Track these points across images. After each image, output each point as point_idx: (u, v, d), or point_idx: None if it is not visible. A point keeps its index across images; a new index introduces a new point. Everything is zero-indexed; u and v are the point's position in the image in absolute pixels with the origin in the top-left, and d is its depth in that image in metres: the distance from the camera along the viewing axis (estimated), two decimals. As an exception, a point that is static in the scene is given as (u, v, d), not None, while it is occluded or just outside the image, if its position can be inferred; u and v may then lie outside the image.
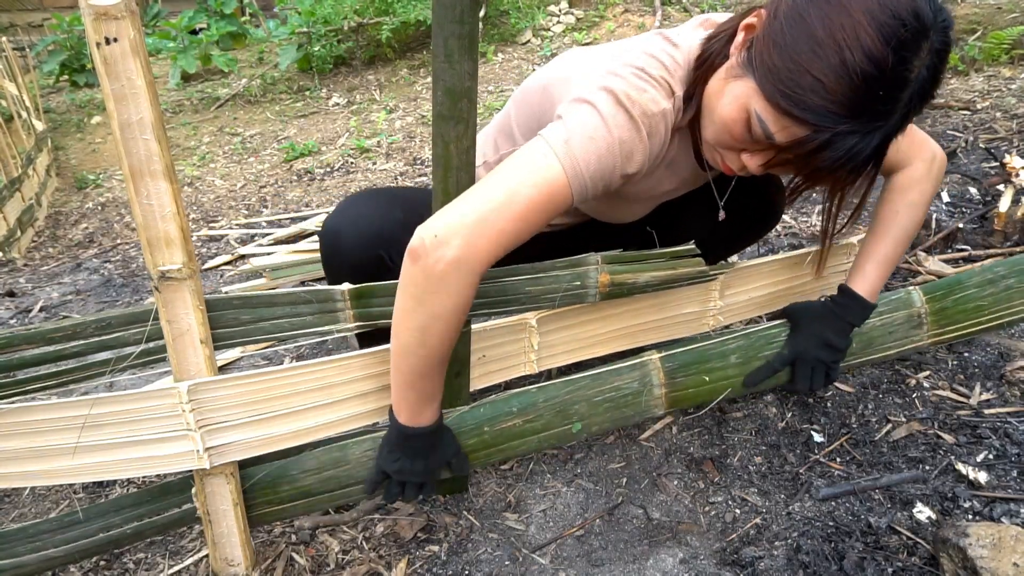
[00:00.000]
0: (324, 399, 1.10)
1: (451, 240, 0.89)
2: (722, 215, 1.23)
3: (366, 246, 1.15)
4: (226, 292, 2.31)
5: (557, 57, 1.20)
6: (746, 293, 1.38)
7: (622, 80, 0.97)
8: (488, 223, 0.90)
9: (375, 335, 1.12)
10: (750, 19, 0.92)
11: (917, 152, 1.18)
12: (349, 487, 1.16)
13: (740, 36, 0.93)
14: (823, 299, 1.25)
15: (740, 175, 1.00)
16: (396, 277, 1.09)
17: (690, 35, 1.04)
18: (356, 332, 1.12)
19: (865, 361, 1.32)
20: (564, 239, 1.38)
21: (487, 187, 0.92)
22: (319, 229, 2.92)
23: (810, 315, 1.24)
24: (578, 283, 1.15)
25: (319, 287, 1.06)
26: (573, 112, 0.96)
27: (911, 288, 1.34)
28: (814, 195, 2.56)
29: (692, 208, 1.31)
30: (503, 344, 1.22)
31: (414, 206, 1.17)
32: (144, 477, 1.47)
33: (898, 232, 1.20)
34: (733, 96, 0.91)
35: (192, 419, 1.02)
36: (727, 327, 1.41)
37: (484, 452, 1.18)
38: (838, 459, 1.29)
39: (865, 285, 1.20)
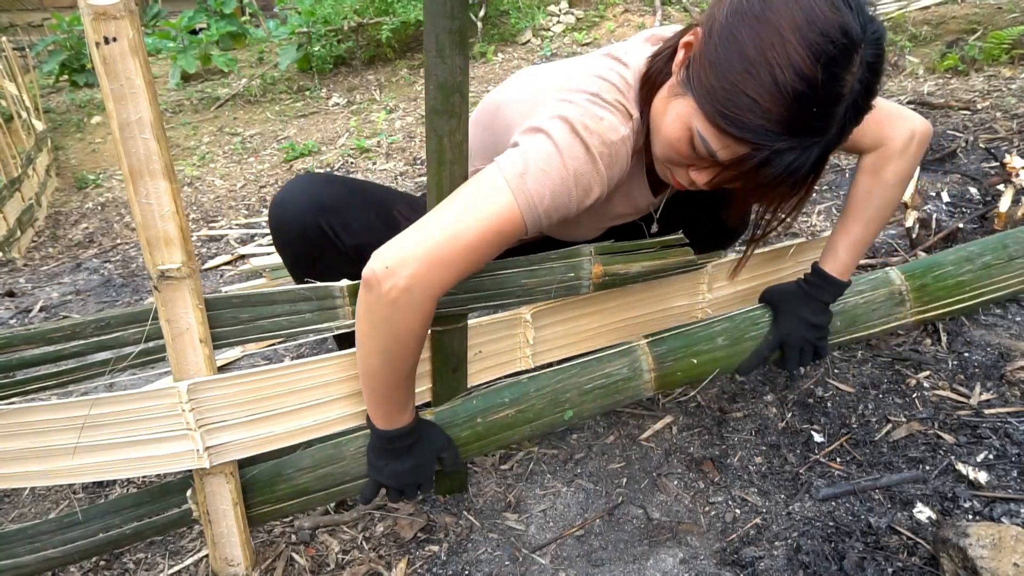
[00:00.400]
0: (323, 397, 1.11)
1: (400, 271, 0.90)
2: (655, 228, 1.25)
3: (308, 213, 1.17)
4: (226, 292, 2.30)
5: (510, 78, 1.21)
6: (732, 286, 1.41)
7: (577, 108, 0.96)
8: (437, 255, 0.91)
9: (351, 336, 1.13)
10: (688, 36, 0.93)
11: (890, 131, 1.18)
12: (345, 484, 1.16)
13: (680, 54, 0.94)
14: (798, 280, 1.28)
15: (691, 190, 1.01)
16: (339, 250, 1.12)
17: (638, 52, 1.04)
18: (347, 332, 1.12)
19: (852, 339, 1.36)
20: (519, 251, 1.39)
21: (440, 217, 0.93)
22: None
23: (788, 297, 1.28)
24: (572, 274, 1.16)
25: (318, 284, 1.06)
26: (528, 142, 0.95)
27: (888, 268, 1.37)
28: (814, 194, 2.56)
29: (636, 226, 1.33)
30: (499, 339, 1.23)
31: (361, 187, 1.21)
32: (144, 477, 1.46)
33: (870, 213, 1.21)
34: (676, 115, 0.92)
35: (192, 418, 1.02)
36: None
37: (478, 444, 1.19)
38: (838, 459, 1.29)
39: (836, 265, 1.22)
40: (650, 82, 1.00)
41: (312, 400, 1.10)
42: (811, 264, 1.26)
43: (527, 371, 1.28)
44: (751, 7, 0.84)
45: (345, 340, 1.21)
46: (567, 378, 1.23)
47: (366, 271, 0.92)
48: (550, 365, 1.27)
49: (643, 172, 1.13)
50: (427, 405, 1.22)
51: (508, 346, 1.24)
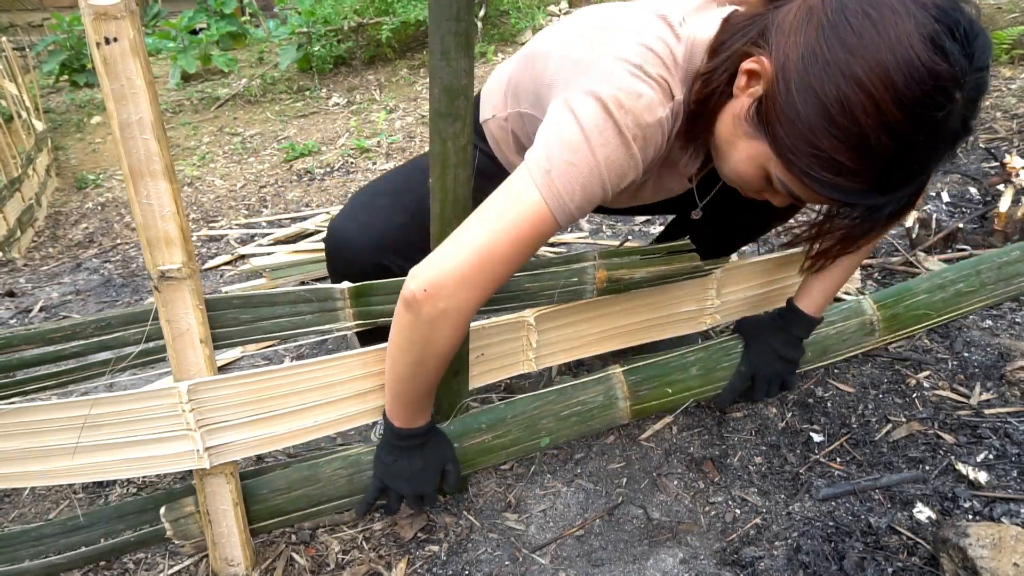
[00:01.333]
0: (324, 398, 1.10)
1: (439, 293, 0.90)
2: (697, 214, 1.20)
3: (369, 253, 1.16)
4: (226, 292, 2.30)
5: (562, 20, 1.12)
6: (742, 291, 1.39)
7: (613, 81, 0.87)
8: (474, 274, 0.90)
9: (376, 333, 1.13)
10: (751, 64, 0.84)
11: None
12: (320, 505, 1.16)
13: (742, 79, 0.86)
14: (772, 314, 1.28)
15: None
16: (397, 275, 1.10)
17: (694, 23, 0.93)
18: (357, 331, 1.13)
19: (822, 366, 1.35)
20: None
21: (474, 231, 0.91)
22: (322, 230, 2.92)
23: (761, 330, 1.27)
24: (576, 279, 1.16)
25: (319, 286, 1.06)
26: (555, 128, 0.89)
27: (860, 298, 1.37)
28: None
29: (669, 205, 1.31)
30: (501, 342, 1.22)
31: (418, 206, 1.16)
32: (144, 477, 1.46)
33: (849, 260, 1.18)
34: (748, 156, 0.87)
35: (192, 419, 1.02)
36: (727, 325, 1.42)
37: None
38: (838, 459, 1.29)
39: (810, 303, 1.22)
40: (710, 103, 0.91)
41: (313, 401, 1.10)
42: (786, 300, 1.25)
43: (527, 374, 1.27)
44: (832, 55, 0.75)
45: (368, 337, 1.22)
46: (543, 404, 1.22)
47: (405, 291, 0.92)
48: (557, 370, 1.26)
49: (678, 158, 1.05)
50: None
51: (511, 349, 1.24)
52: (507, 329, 1.21)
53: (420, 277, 0.91)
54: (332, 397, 1.11)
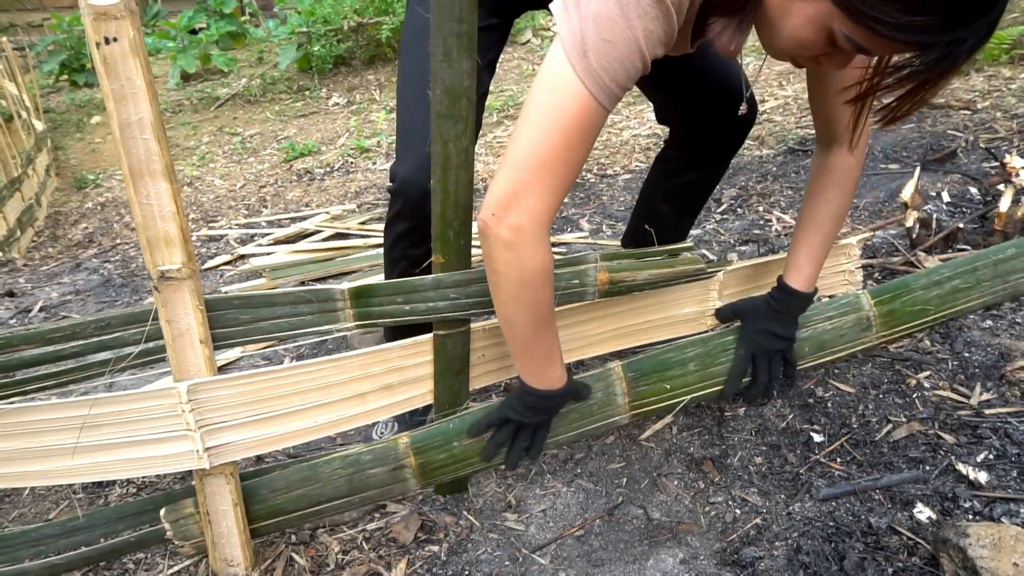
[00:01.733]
0: (323, 399, 1.10)
1: (506, 213, 0.91)
2: (744, 108, 1.20)
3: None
4: (226, 292, 2.30)
5: None
6: (744, 293, 1.38)
7: None
8: (533, 184, 0.90)
9: (405, 328, 1.14)
10: None
11: (857, 136, 1.12)
12: (320, 505, 1.16)
13: None
14: (765, 297, 1.26)
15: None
16: None
17: None
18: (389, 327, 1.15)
19: (819, 364, 1.35)
20: None
21: (523, 140, 0.89)
22: (322, 230, 2.92)
23: (756, 313, 1.26)
24: (577, 281, 1.15)
25: (319, 287, 1.06)
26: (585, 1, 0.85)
27: (858, 292, 1.37)
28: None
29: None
30: (502, 343, 1.22)
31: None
32: (144, 478, 1.46)
33: (829, 224, 1.19)
34: (807, 18, 0.81)
35: (192, 419, 1.02)
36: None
37: (454, 467, 1.18)
38: (838, 459, 1.29)
39: (801, 278, 1.21)
40: None
41: (313, 402, 1.10)
42: (776, 278, 1.24)
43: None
44: None
45: (396, 332, 1.23)
46: None
47: (479, 221, 0.94)
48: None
49: (689, 24, 1.00)
50: (429, 408, 1.22)
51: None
52: None
53: (485, 205, 0.93)
54: (331, 398, 1.11)
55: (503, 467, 1.21)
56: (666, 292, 1.30)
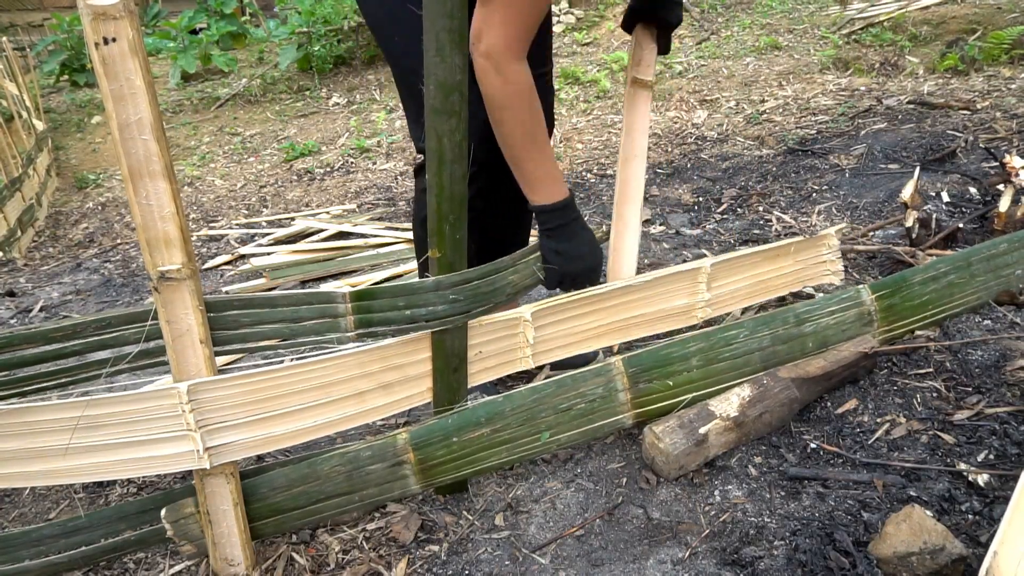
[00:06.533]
0: (323, 398, 1.11)
1: (479, 44, 1.09)
2: None
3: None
4: (226, 292, 2.31)
5: None
6: (732, 284, 1.42)
7: None
8: (498, 16, 1.06)
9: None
10: None
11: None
12: (320, 502, 1.16)
13: None
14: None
15: None
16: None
17: None
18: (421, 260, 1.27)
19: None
20: None
21: None
22: (327, 228, 2.91)
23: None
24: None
25: (320, 290, 1.06)
26: None
27: (860, 287, 1.38)
28: (814, 194, 2.56)
29: None
30: (499, 339, 1.23)
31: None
32: (145, 478, 1.47)
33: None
34: None
35: (192, 419, 1.02)
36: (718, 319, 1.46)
37: (453, 464, 1.19)
38: (838, 458, 1.29)
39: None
40: None
41: (313, 401, 1.10)
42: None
43: (526, 371, 1.28)
44: None
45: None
46: (542, 397, 1.23)
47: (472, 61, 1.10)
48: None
49: None
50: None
51: (508, 346, 1.25)
52: (504, 327, 1.22)
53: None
54: (332, 397, 1.11)
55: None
56: (657, 286, 1.33)
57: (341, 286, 2.34)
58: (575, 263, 1.24)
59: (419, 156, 1.40)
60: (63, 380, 1.02)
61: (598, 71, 4.90)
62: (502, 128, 1.17)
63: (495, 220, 1.49)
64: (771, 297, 1.52)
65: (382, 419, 1.19)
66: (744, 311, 1.79)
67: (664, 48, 1.46)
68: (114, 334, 1.01)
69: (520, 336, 1.24)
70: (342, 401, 1.12)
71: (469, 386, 1.22)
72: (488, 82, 1.12)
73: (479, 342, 1.20)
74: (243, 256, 2.86)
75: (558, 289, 1.28)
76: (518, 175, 1.23)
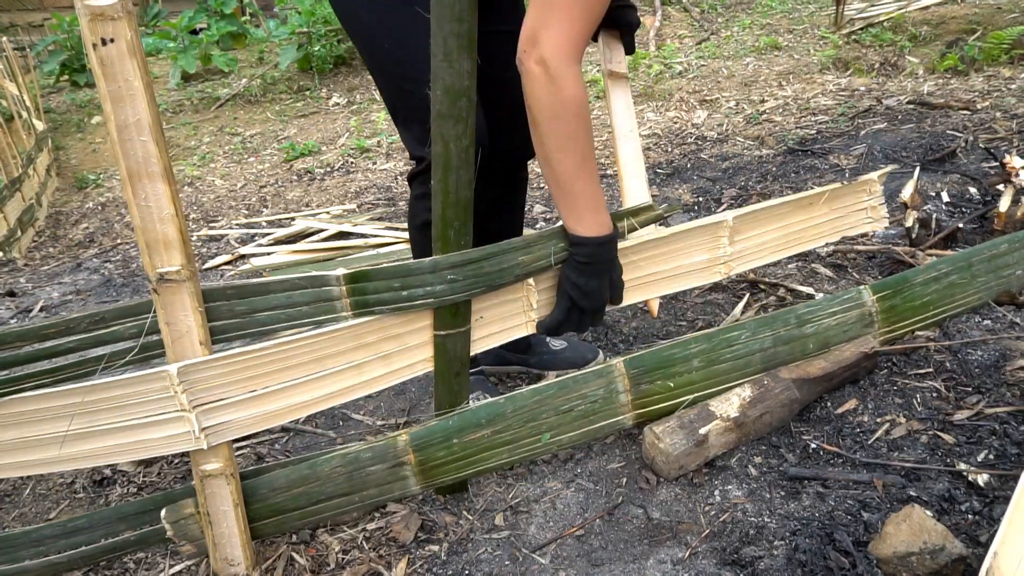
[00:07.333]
0: (318, 371, 1.09)
1: (532, 50, 0.99)
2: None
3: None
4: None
5: None
6: (757, 237, 1.35)
7: None
8: (555, 20, 0.97)
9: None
10: None
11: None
12: (320, 503, 1.16)
13: None
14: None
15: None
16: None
17: None
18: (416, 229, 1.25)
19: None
20: None
21: None
22: (328, 228, 2.91)
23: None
24: (562, 245, 1.16)
25: (314, 272, 1.06)
26: None
27: (861, 288, 1.37)
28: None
29: None
30: (501, 304, 1.20)
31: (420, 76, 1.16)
32: (145, 478, 1.47)
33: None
34: None
35: (185, 400, 1.01)
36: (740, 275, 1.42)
37: (455, 465, 1.18)
38: (838, 458, 1.29)
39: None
40: None
41: (308, 375, 1.08)
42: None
43: (528, 372, 1.27)
44: None
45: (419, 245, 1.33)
46: (544, 399, 1.22)
47: (516, 62, 1.02)
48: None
49: None
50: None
51: (511, 311, 1.22)
52: (506, 290, 1.19)
53: (519, 45, 1.00)
54: (328, 370, 1.10)
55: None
56: (674, 241, 1.28)
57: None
58: (593, 300, 1.16)
59: (411, 162, 1.35)
60: (59, 377, 1.02)
61: (597, 71, 4.90)
62: (549, 143, 1.04)
63: (491, 223, 1.49)
64: (806, 248, 1.44)
65: (381, 389, 1.16)
66: (745, 311, 1.79)
67: (630, 49, 1.47)
68: (108, 329, 1.00)
69: (523, 300, 1.21)
70: (340, 374, 1.10)
71: (472, 353, 1.20)
72: (538, 91, 1.00)
73: (480, 307, 1.18)
74: (243, 256, 2.86)
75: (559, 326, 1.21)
76: (560, 199, 1.10)
